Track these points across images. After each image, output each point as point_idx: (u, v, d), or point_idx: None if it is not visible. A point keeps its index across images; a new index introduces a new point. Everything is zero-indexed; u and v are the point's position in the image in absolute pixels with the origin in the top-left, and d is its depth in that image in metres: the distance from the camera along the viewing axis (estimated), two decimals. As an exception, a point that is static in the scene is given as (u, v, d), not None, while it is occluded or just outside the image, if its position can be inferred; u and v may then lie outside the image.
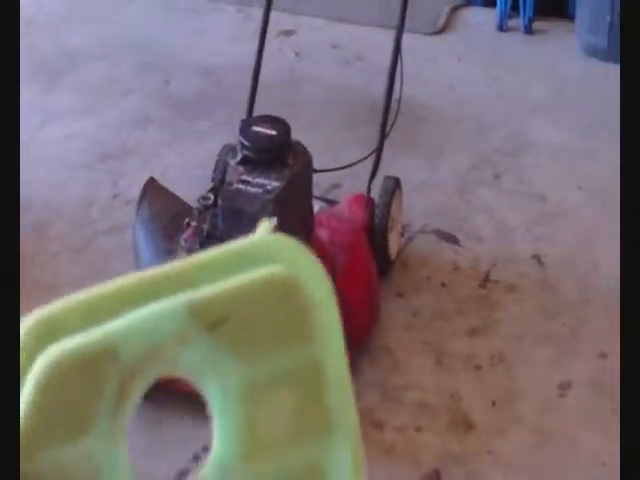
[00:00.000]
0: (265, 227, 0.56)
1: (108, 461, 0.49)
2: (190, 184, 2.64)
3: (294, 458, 0.51)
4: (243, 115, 2.50)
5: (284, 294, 0.52)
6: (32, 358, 0.49)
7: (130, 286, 0.52)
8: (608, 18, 3.32)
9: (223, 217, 2.17)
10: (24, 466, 0.48)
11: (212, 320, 0.50)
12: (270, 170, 2.18)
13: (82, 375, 0.48)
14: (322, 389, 0.53)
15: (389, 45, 2.47)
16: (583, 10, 3.47)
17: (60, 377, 0.48)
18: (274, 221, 0.58)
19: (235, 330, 0.51)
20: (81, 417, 0.48)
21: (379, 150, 2.48)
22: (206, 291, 0.51)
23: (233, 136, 2.34)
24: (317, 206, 2.43)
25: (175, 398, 2.05)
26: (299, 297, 0.52)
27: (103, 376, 0.49)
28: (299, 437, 0.51)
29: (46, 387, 0.48)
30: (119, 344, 0.49)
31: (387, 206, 2.45)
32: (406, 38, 2.52)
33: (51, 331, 0.50)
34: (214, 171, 2.42)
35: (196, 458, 2.07)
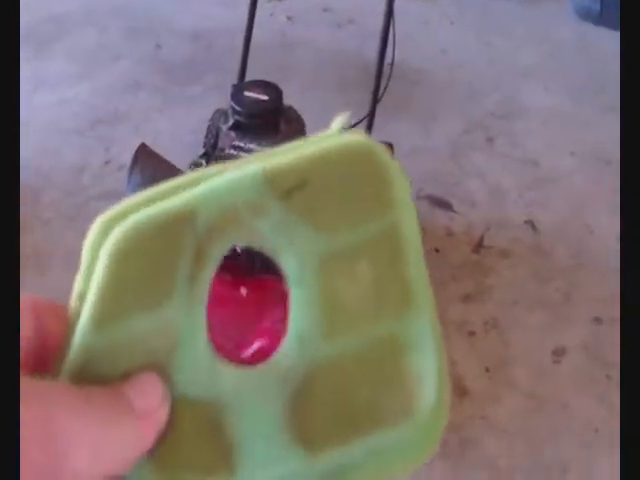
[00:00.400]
0: (339, 122, 0.54)
1: (186, 331, 0.48)
2: (182, 149, 2.63)
3: (374, 330, 0.50)
4: (234, 80, 2.48)
5: (362, 161, 0.50)
6: (104, 237, 0.48)
7: (201, 173, 0.51)
8: (601, -19, 3.31)
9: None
10: (99, 338, 0.47)
11: (287, 187, 0.49)
12: (262, 135, 2.17)
13: (159, 241, 0.48)
14: (400, 260, 0.52)
15: (381, 8, 2.45)
16: (576, -27, 3.46)
17: (136, 243, 0.47)
18: (348, 116, 0.55)
19: (311, 198, 0.49)
20: (158, 285, 0.48)
21: (371, 115, 2.46)
22: (281, 158, 0.50)
23: (225, 101, 2.32)
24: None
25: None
26: (377, 164, 0.50)
27: (180, 241, 0.48)
28: (378, 309, 0.50)
29: (123, 254, 0.47)
30: (196, 208, 0.48)
31: (380, 171, 2.43)
32: (398, 1, 2.49)
33: (124, 216, 0.49)
34: (206, 136, 2.40)
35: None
